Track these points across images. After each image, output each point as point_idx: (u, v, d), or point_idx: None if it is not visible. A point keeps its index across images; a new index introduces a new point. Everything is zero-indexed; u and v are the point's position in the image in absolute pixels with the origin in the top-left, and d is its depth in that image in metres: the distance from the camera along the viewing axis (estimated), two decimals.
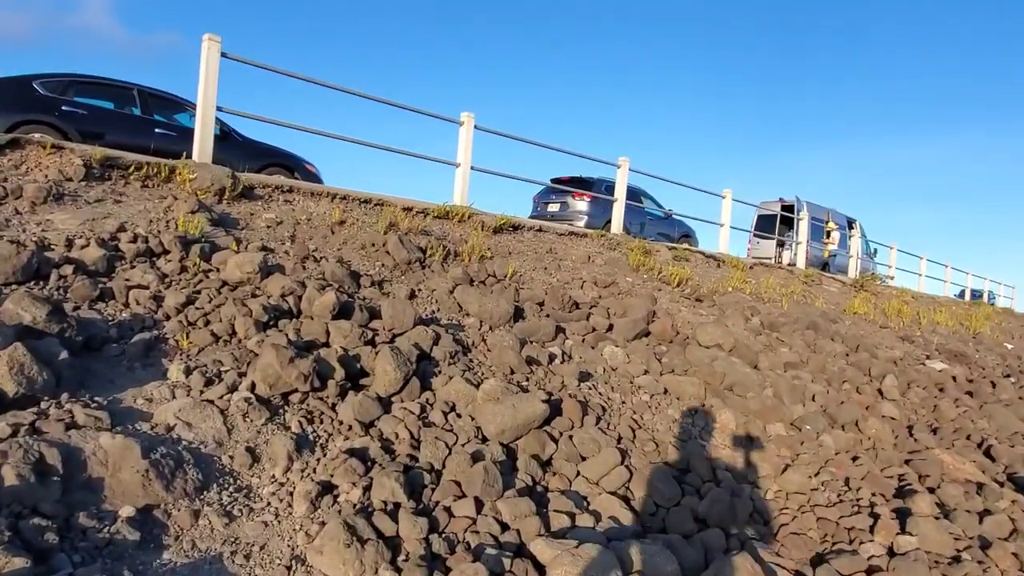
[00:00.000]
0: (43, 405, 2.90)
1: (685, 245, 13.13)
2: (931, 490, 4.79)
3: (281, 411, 3.39)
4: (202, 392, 3.34)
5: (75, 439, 2.73)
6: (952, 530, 4.03)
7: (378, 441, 3.33)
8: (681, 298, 8.02)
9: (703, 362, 5.89)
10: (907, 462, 5.24)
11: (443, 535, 2.86)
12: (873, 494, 4.25)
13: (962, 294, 25.79)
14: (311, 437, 3.30)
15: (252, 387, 3.41)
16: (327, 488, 2.95)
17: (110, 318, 3.87)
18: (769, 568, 3.14)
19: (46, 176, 5.56)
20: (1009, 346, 12.49)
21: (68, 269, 4.10)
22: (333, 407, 3.53)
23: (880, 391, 6.80)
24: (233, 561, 2.55)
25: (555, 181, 12.72)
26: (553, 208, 12.79)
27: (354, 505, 2.89)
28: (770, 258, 16.84)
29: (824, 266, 17.15)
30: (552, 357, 4.97)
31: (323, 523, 2.75)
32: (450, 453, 3.34)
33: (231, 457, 3.04)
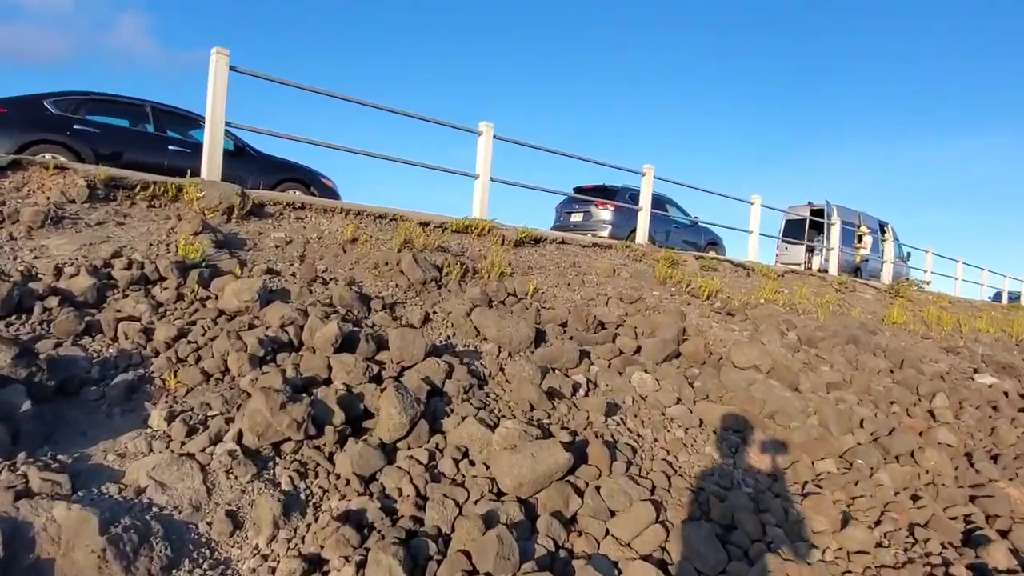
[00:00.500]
0: None
1: (712, 253, 12.51)
2: (1003, 534, 4.19)
3: (271, 464, 2.95)
4: (183, 443, 2.92)
5: (25, 511, 2.31)
6: None
7: (378, 500, 2.87)
8: (711, 312, 7.45)
9: (739, 386, 5.34)
10: (972, 499, 4.63)
11: None
12: (943, 544, 3.67)
13: (997, 296, 24.64)
14: (303, 496, 2.85)
15: (239, 437, 2.97)
16: (315, 564, 2.49)
17: (95, 355, 3.47)
18: None
19: (48, 198, 5.23)
20: None
21: (53, 301, 3.72)
22: (330, 457, 3.07)
23: (931, 413, 6.17)
24: None
25: (577, 190, 12.20)
26: (576, 218, 12.26)
27: None
28: (799, 264, 16.11)
29: (856, 271, 16.34)
30: (576, 387, 4.47)
31: None
32: (460, 513, 2.86)
33: (209, 524, 2.60)
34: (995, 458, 5.64)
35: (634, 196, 12.16)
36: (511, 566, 2.56)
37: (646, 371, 5.14)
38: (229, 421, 3.10)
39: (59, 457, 2.66)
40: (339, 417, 3.22)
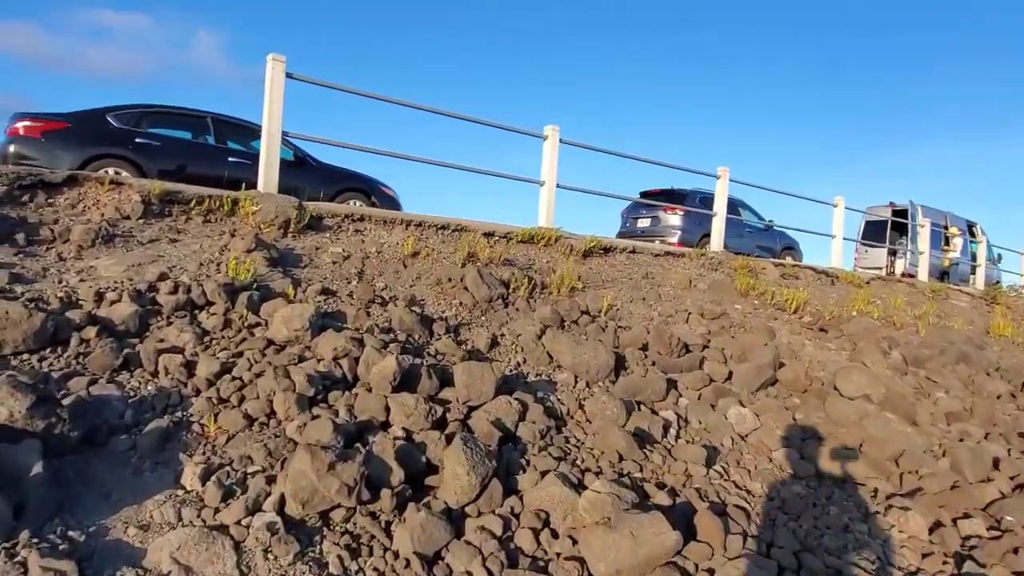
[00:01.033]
0: None
1: (789, 259, 11.52)
2: None
3: (317, 539, 2.41)
4: (217, 511, 2.41)
5: None
6: None
7: None
8: (802, 328, 6.60)
9: (849, 419, 4.54)
10: None
11: None
12: None
13: None
14: None
15: (281, 503, 2.45)
16: None
17: (131, 393, 3.03)
18: None
19: (102, 215, 4.92)
20: None
21: (91, 332, 3.32)
22: (387, 528, 2.52)
23: None
24: None
25: (644, 195, 11.41)
26: (643, 224, 11.48)
27: None
28: (880, 268, 14.82)
29: (943, 276, 14.92)
30: (666, 426, 3.80)
31: None
32: None
33: None
34: None
35: (704, 200, 11.31)
36: None
37: (742, 404, 4.41)
38: (271, 481, 2.58)
39: (70, 534, 2.19)
40: (397, 475, 2.66)
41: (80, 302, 3.58)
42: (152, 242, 4.72)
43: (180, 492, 2.51)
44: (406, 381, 3.30)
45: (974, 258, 15.96)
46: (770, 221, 12.37)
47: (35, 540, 2.09)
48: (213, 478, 2.56)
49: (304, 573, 2.26)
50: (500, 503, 2.74)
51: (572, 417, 3.64)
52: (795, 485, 3.47)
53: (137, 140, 6.65)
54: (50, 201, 4.90)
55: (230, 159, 7.26)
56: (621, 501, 2.65)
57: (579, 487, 2.87)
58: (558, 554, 2.55)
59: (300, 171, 7.60)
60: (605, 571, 2.41)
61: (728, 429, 3.98)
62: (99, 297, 3.62)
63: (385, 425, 3.09)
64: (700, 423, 4.01)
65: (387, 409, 3.12)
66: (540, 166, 7.70)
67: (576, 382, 4.13)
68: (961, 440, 4.79)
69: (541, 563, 2.50)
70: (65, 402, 2.70)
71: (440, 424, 3.14)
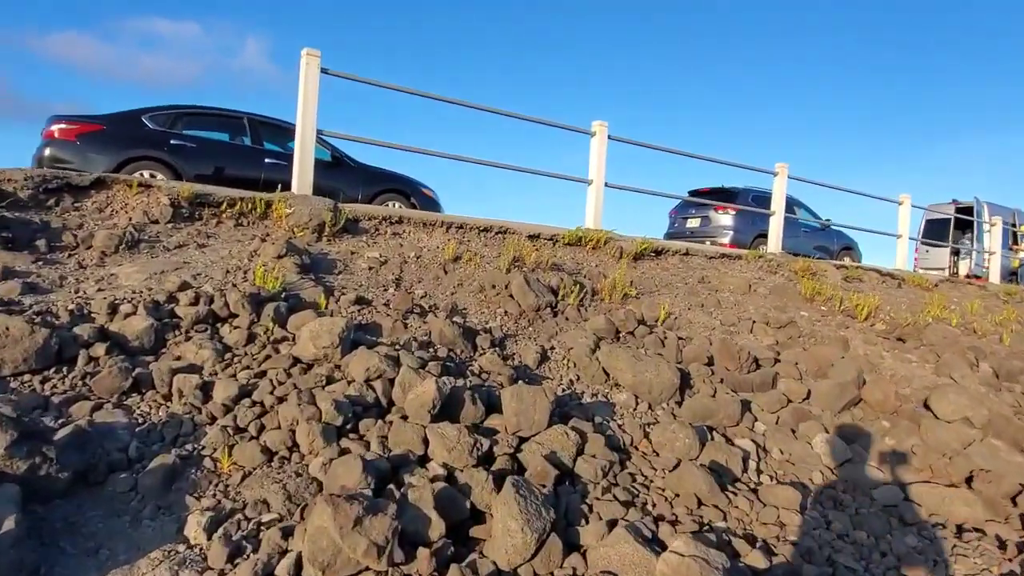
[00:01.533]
0: None
1: (847, 260, 10.69)
2: None
3: None
4: (221, 574, 1.97)
5: None
6: None
7: None
8: (877, 339, 5.90)
9: (951, 447, 3.88)
10: None
11: None
12: None
13: None
14: None
15: (297, 566, 1.99)
16: None
17: (139, 420, 2.63)
18: None
19: (129, 219, 4.58)
20: None
21: (100, 349, 2.93)
22: None
23: None
24: None
25: (694, 193, 10.72)
26: (693, 224, 10.79)
27: None
28: (942, 269, 13.78)
29: (1011, 277, 13.80)
30: (745, 458, 3.23)
31: None
32: None
33: None
34: None
35: (757, 198, 10.57)
36: None
37: (825, 428, 3.81)
38: (287, 535, 2.12)
39: None
40: (437, 528, 2.18)
41: (92, 315, 3.20)
42: (179, 248, 4.35)
43: (181, 547, 2.08)
44: (447, 408, 2.81)
45: None
46: (827, 220, 11.52)
47: None
48: (220, 530, 2.11)
49: None
50: (560, 563, 2.23)
51: (637, 448, 3.11)
52: (907, 536, 2.86)
53: (173, 142, 6.36)
54: (76, 205, 4.58)
55: (267, 160, 6.93)
56: (711, 568, 2.11)
57: (654, 543, 2.34)
58: None
59: (337, 172, 7.23)
60: None
61: (816, 461, 3.39)
62: (112, 309, 3.23)
63: (423, 460, 2.61)
64: (782, 453, 3.43)
65: (425, 441, 2.64)
66: (587, 164, 7.15)
67: (637, 403, 3.60)
68: None
69: None
70: (62, 433, 2.31)
71: (486, 459, 2.64)
